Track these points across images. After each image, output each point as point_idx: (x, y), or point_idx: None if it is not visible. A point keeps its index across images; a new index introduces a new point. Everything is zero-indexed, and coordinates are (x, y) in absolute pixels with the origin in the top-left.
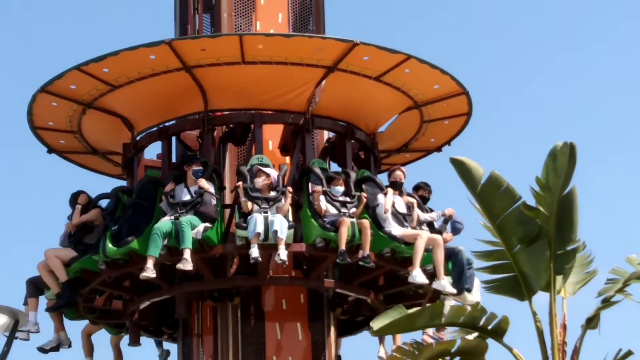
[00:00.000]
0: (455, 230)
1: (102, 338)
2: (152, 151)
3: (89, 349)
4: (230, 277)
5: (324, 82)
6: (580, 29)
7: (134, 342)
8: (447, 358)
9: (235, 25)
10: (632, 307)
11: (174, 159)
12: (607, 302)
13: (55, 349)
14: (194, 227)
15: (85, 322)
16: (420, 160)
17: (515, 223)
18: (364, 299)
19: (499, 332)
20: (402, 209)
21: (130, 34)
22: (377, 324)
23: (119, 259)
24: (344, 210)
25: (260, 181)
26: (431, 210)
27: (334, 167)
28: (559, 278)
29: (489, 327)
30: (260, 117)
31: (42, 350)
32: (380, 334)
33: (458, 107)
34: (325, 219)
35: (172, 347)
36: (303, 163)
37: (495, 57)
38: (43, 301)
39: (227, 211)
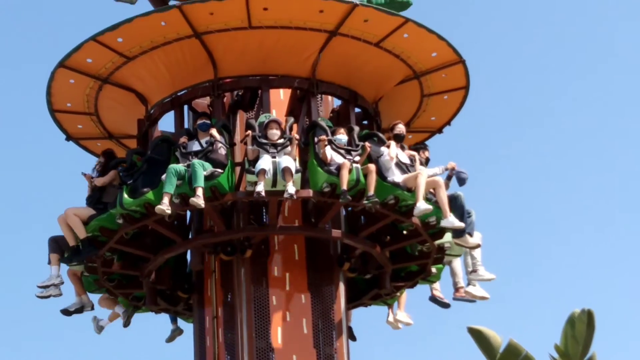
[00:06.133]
0: (461, 180)
1: None
2: (165, 125)
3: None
4: (241, 227)
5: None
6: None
7: (151, 303)
8: None
9: None
10: None
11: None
12: None
13: (79, 310)
14: (205, 170)
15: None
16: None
17: None
18: (370, 252)
19: None
20: (405, 160)
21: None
22: None
23: (136, 212)
24: (348, 157)
25: (275, 132)
26: None
27: None
28: None
29: None
30: (267, 82)
31: (66, 312)
32: None
33: (456, 79)
34: (330, 166)
35: (186, 327)
36: (309, 123)
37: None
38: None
39: (238, 169)
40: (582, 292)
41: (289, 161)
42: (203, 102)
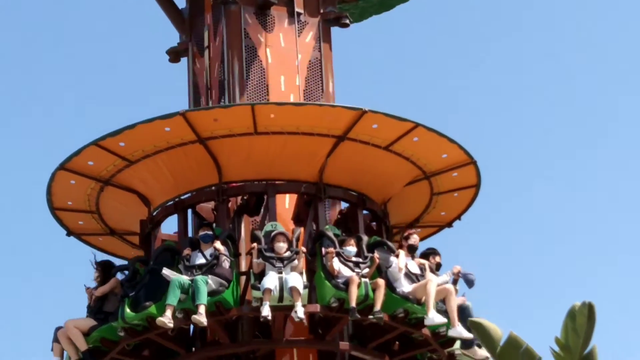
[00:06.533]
0: (469, 282)
1: None
2: (169, 226)
3: None
4: (246, 341)
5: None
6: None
7: None
8: None
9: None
10: None
11: (190, 232)
12: None
13: None
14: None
15: None
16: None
17: None
18: None
19: None
20: (415, 269)
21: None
22: None
23: (138, 325)
24: (357, 270)
25: (282, 246)
26: None
27: None
28: None
29: None
30: (273, 187)
31: None
32: None
33: (467, 178)
34: (338, 280)
35: None
36: (316, 232)
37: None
38: None
39: (243, 278)
40: (584, 285)
41: (297, 279)
42: (207, 206)
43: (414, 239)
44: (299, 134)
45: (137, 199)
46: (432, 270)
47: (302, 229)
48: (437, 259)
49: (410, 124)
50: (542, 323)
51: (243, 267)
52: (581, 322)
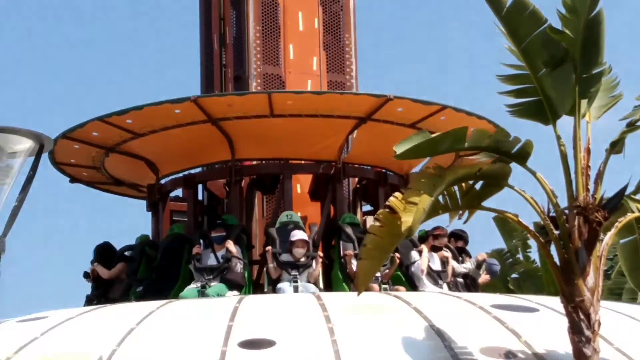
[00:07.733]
0: (492, 273)
1: None
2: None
3: None
4: None
5: (355, 131)
6: None
7: None
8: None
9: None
10: None
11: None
12: (632, 126)
13: None
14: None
15: None
16: None
17: (541, 46)
18: None
19: (522, 156)
20: (437, 266)
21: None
22: (400, 148)
23: None
24: (376, 274)
25: (301, 252)
26: (468, 256)
27: (366, 208)
28: (584, 102)
29: (513, 151)
30: (289, 168)
31: None
32: (404, 158)
33: None
34: None
35: None
36: (334, 215)
37: None
38: None
39: (256, 269)
40: None
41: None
42: (219, 181)
43: (442, 241)
44: (318, 116)
45: (144, 163)
46: (454, 257)
47: (318, 225)
48: (460, 243)
49: (437, 107)
50: None
51: (256, 254)
52: None
